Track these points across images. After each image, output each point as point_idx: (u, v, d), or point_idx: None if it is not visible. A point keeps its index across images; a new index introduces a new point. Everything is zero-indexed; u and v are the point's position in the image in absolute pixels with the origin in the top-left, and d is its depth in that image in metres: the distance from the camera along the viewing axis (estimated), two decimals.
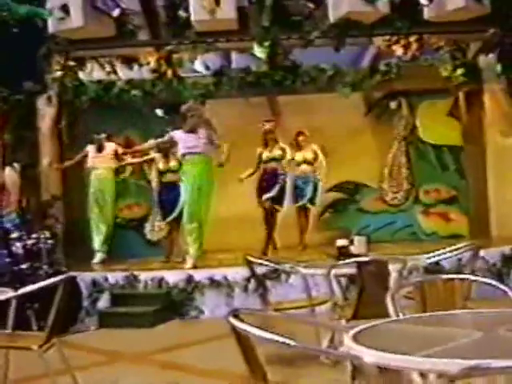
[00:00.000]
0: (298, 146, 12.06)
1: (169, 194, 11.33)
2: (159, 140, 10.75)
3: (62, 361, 5.32)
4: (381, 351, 2.63)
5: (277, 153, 11.69)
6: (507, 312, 3.43)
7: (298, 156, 12.03)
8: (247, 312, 3.29)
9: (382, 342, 2.83)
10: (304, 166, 12.03)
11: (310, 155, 12.04)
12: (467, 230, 12.80)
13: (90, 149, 11.65)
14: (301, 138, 12.07)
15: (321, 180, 12.09)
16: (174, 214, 11.19)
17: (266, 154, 11.75)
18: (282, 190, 11.66)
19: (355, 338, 2.87)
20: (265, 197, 11.60)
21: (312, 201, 12.01)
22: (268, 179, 11.68)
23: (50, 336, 5.20)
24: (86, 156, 11.66)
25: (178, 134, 10.30)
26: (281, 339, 2.76)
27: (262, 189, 11.74)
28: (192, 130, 10.18)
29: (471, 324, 3.25)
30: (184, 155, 10.27)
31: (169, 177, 11.45)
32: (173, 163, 11.32)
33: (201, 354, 7.48)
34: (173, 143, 10.49)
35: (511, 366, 2.40)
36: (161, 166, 11.51)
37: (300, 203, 12.00)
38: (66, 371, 5.42)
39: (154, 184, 11.89)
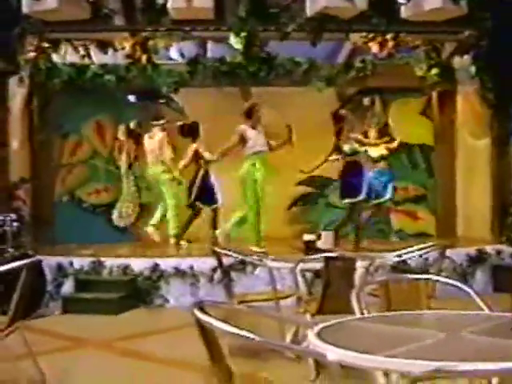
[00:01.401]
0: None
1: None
2: (230, 145, 10.97)
3: (24, 345, 5.27)
4: (344, 349, 2.64)
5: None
6: (470, 314, 3.46)
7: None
8: (212, 304, 3.29)
9: (345, 340, 2.84)
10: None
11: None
12: (434, 229, 12.89)
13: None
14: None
15: None
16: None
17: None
18: None
19: (319, 335, 2.87)
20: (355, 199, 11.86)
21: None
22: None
23: (12, 320, 5.15)
24: None
25: (249, 132, 10.64)
26: (245, 333, 2.76)
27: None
28: (255, 127, 10.60)
29: (435, 325, 3.27)
30: (256, 153, 10.68)
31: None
32: None
33: (164, 343, 7.48)
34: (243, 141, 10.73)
35: (474, 369, 2.42)
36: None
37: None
38: (28, 356, 5.38)
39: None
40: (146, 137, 12.10)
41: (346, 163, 11.97)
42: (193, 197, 11.97)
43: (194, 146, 11.87)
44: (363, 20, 9.82)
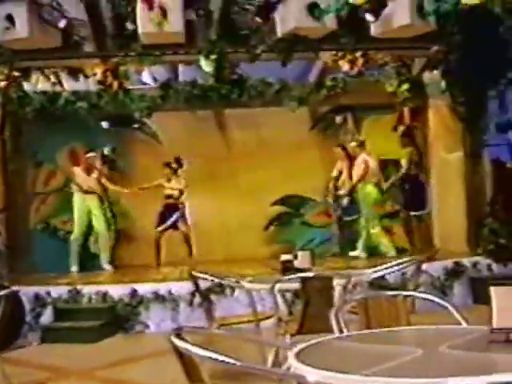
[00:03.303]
0: None
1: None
2: None
3: (3, 378, 5.22)
4: (323, 370, 2.64)
5: None
6: (448, 328, 3.48)
7: None
8: (191, 330, 3.28)
9: (325, 361, 2.85)
10: None
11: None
12: (410, 245, 12.92)
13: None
14: None
15: None
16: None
17: None
18: None
19: (298, 357, 2.87)
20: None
21: None
22: None
23: None
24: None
25: None
26: (225, 358, 2.76)
27: None
28: None
29: (412, 341, 3.29)
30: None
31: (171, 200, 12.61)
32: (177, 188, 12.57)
33: (145, 370, 7.43)
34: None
35: None
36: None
37: None
38: None
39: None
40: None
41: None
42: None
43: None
44: (333, 39, 9.87)
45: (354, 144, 12.29)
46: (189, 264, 10.87)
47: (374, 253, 12.06)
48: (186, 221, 12.76)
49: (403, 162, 12.49)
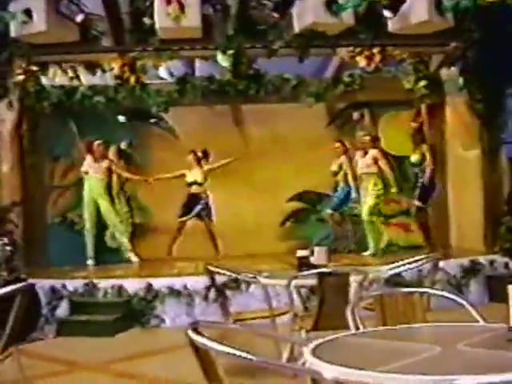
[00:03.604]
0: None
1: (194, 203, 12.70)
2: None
3: (19, 370, 5.24)
4: (340, 366, 2.63)
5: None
6: (465, 326, 3.46)
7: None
8: (207, 324, 3.28)
9: (341, 357, 2.83)
10: None
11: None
12: (427, 241, 12.87)
13: None
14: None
15: None
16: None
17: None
18: None
19: (314, 353, 2.87)
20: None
21: None
22: None
23: (7, 345, 5.12)
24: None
25: None
26: (240, 353, 2.75)
27: None
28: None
29: (430, 338, 3.27)
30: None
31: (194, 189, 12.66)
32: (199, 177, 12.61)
33: (160, 364, 7.44)
34: None
35: (477, 382, 2.41)
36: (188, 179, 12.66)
37: None
38: (24, 381, 5.35)
39: (115, 191, 12.24)
40: None
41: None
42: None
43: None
44: (350, 35, 9.84)
45: (366, 138, 12.24)
46: (213, 259, 10.88)
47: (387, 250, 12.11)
48: (211, 215, 12.77)
49: (414, 159, 12.44)
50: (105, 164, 12.35)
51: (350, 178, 12.57)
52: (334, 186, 12.87)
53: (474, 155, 11.63)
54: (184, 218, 12.69)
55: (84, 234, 12.48)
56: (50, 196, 12.74)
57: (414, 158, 12.41)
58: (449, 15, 9.28)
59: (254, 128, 12.97)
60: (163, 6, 9.15)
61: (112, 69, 11.18)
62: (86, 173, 12.28)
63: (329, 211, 12.81)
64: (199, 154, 12.62)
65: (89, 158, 12.32)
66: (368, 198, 12.01)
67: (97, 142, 12.36)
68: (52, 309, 9.53)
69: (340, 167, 12.67)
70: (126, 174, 12.53)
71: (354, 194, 12.58)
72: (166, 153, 12.71)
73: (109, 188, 12.47)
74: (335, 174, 12.75)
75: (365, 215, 12.04)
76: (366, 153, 12.19)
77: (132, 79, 11.29)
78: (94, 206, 12.35)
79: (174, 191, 12.60)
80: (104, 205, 12.36)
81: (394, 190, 12.23)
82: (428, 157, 12.29)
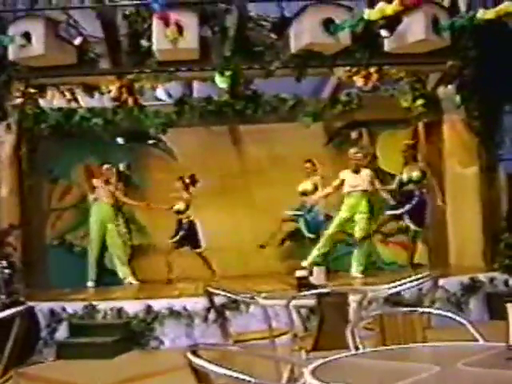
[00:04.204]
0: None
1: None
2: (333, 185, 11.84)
3: None
4: None
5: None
6: (465, 345, 3.45)
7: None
8: (206, 346, 3.27)
9: (341, 378, 2.83)
10: None
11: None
12: (426, 259, 12.86)
13: None
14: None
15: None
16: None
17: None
18: None
19: (314, 374, 2.86)
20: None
21: None
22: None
23: (6, 368, 5.10)
24: None
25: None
26: (240, 375, 2.74)
27: None
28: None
29: (429, 358, 3.26)
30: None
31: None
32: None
33: None
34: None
35: None
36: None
37: None
38: None
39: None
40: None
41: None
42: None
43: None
44: (347, 54, 9.91)
45: (358, 156, 12.03)
46: (211, 281, 10.85)
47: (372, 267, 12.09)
48: (196, 241, 12.65)
49: (415, 176, 12.35)
50: (111, 188, 12.37)
51: (321, 196, 12.31)
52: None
53: (471, 172, 11.65)
54: (170, 241, 12.58)
55: (82, 256, 12.48)
56: (49, 218, 12.74)
57: (416, 174, 12.29)
58: (445, 34, 9.34)
59: (252, 148, 13.02)
60: (161, 28, 9.20)
61: (110, 91, 11.24)
62: (96, 199, 12.30)
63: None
64: (187, 181, 12.55)
65: (98, 183, 12.33)
66: (359, 220, 11.82)
67: (105, 166, 12.36)
68: (51, 331, 9.48)
69: (315, 187, 12.48)
70: (124, 199, 12.52)
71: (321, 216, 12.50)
72: (165, 174, 12.74)
73: (115, 211, 12.48)
74: (303, 194, 12.55)
75: (357, 236, 11.90)
76: (356, 171, 11.95)
77: (130, 101, 11.35)
78: (103, 231, 12.35)
79: (172, 213, 12.59)
80: (112, 229, 12.37)
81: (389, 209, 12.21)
82: (428, 173, 12.26)
